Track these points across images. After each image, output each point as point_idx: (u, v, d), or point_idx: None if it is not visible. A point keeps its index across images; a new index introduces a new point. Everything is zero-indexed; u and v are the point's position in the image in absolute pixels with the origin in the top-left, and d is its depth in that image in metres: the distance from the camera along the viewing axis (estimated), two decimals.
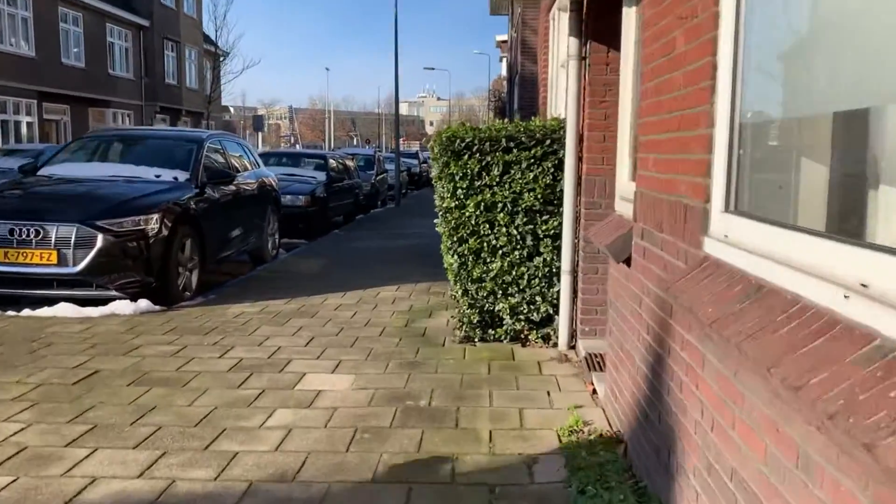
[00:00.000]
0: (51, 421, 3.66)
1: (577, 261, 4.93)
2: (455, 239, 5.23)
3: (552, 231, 5.08)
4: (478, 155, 5.18)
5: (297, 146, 59.58)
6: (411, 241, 11.92)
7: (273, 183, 10.22)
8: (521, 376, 4.45)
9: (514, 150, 5.11)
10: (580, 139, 4.86)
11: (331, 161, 14.68)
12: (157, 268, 6.48)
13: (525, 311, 5.15)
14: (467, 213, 5.18)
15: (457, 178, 5.18)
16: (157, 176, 7.46)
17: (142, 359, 4.79)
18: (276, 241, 10.22)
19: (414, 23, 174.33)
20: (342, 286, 7.58)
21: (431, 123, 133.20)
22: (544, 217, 5.10)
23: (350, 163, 16.68)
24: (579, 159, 4.86)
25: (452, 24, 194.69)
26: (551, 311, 5.12)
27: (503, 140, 5.12)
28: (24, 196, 6.86)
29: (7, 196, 6.84)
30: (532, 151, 5.08)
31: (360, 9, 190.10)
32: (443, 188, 5.32)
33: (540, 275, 5.11)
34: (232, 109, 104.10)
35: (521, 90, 14.59)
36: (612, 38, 4.63)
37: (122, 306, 6.19)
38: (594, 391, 4.11)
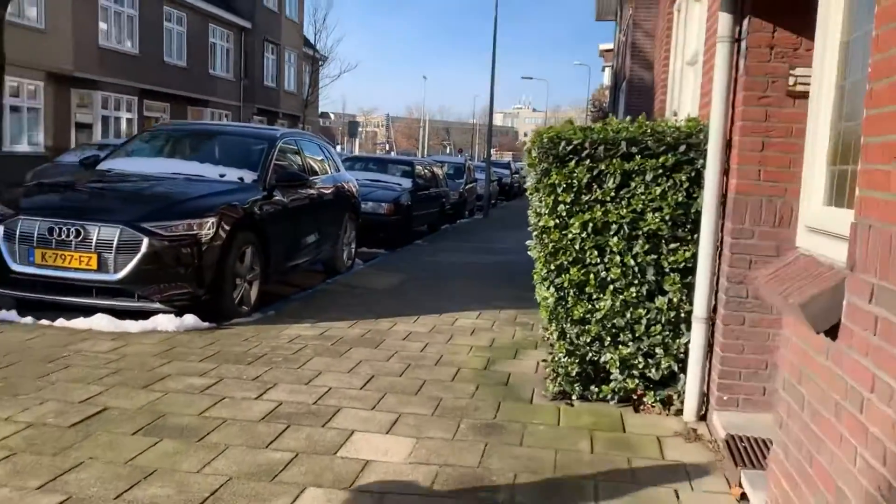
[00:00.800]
0: (17, 485, 2.82)
1: (716, 305, 3.75)
2: (552, 267, 4.15)
3: (682, 264, 3.92)
4: (588, 161, 4.10)
5: (392, 154, 59.61)
6: (498, 256, 10.87)
7: (353, 188, 9.42)
8: (635, 460, 3.32)
9: (637, 157, 3.99)
10: (727, 146, 3.69)
11: (417, 168, 13.83)
12: (209, 279, 5.70)
13: (640, 366, 4.00)
14: (570, 236, 4.10)
15: (559, 189, 4.12)
16: (222, 175, 6.73)
17: (163, 395, 3.94)
18: (353, 250, 9.40)
19: (513, 31, 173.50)
20: (416, 308, 6.62)
21: (525, 134, 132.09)
22: (672, 245, 3.95)
23: (438, 170, 15.81)
24: (725, 172, 3.69)
25: (552, 34, 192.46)
26: (675, 369, 3.96)
27: (622, 143, 4.02)
28: (71, 193, 6.24)
29: (52, 192, 6.25)
30: (660, 160, 3.94)
31: (458, 18, 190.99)
32: (540, 202, 4.27)
33: (663, 320, 3.96)
34: (332, 115, 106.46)
35: (630, 97, 13.30)
36: (784, 13, 3.45)
37: (166, 321, 5.42)
38: (743, 496, 2.94)
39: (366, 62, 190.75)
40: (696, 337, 3.78)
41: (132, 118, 24.14)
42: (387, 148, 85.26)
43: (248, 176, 6.77)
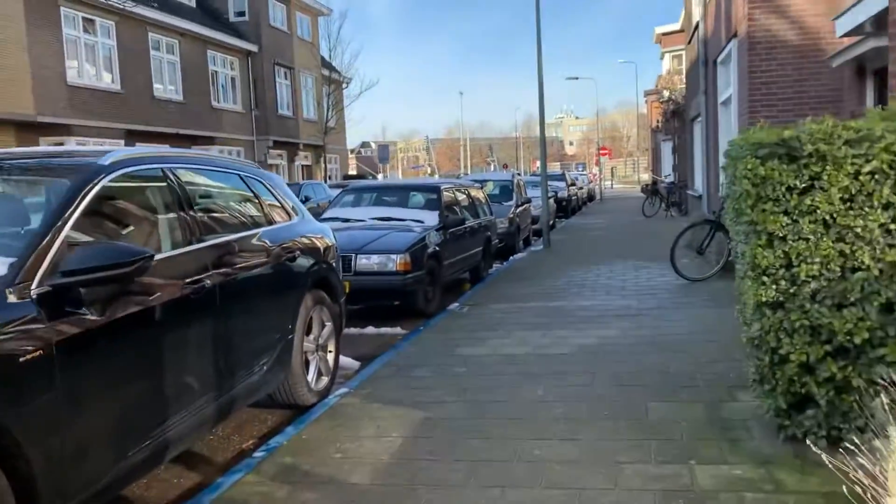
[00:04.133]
0: None
1: None
2: None
3: None
4: None
5: (436, 177, 55.77)
6: (593, 328, 6.53)
7: (324, 245, 5.31)
8: None
9: None
10: None
11: (446, 195, 9.59)
12: None
13: None
14: None
15: None
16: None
17: None
18: (330, 362, 5.25)
19: (548, 39, 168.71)
20: None
21: (571, 143, 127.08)
22: None
23: (478, 194, 11.57)
24: None
25: (590, 37, 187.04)
26: None
27: None
28: None
29: None
30: None
31: (491, 32, 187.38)
32: None
33: None
34: (373, 144, 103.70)
35: (752, 63, 8.84)
36: None
37: None
38: None
39: (404, 87, 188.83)
40: None
41: None
42: (428, 171, 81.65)
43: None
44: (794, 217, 3.26)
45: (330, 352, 5.31)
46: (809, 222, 3.24)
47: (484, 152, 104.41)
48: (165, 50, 22.78)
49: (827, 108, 7.86)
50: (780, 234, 3.28)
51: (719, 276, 8.89)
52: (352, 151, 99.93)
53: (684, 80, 20.66)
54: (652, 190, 23.80)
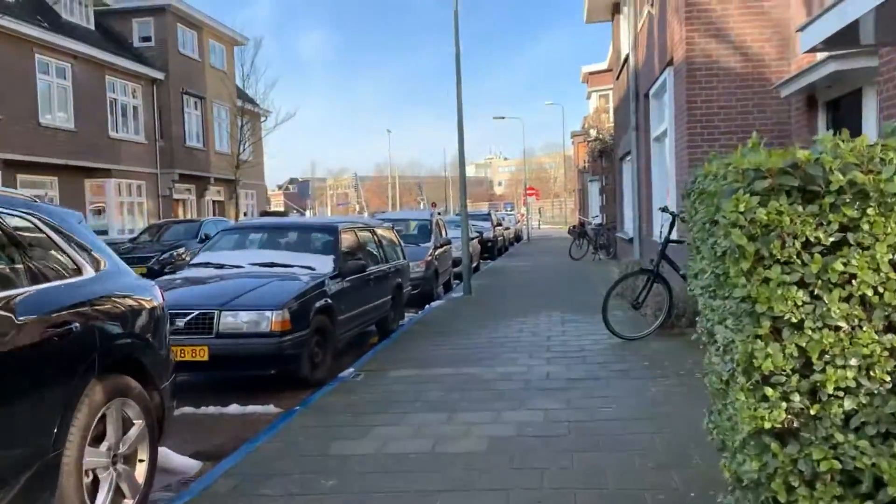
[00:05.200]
0: None
1: None
2: None
3: None
4: None
5: (364, 215, 54.26)
6: (510, 409, 5.14)
7: (136, 310, 3.82)
8: None
9: None
10: None
11: (345, 237, 8.15)
12: None
13: None
14: None
15: None
16: None
17: None
18: (139, 474, 3.69)
19: (478, 80, 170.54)
20: None
21: (500, 184, 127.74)
22: None
23: (388, 234, 10.19)
24: None
25: (521, 79, 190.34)
26: None
27: None
28: None
29: None
30: None
31: (421, 72, 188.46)
32: None
33: None
34: (300, 180, 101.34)
35: (689, 90, 7.86)
36: None
37: None
38: None
39: (334, 124, 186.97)
40: None
41: None
42: (356, 209, 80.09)
43: None
44: (817, 291, 1.99)
45: (141, 461, 3.76)
46: (841, 300, 1.98)
47: (414, 191, 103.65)
48: (55, 74, 20.72)
49: (774, 144, 6.89)
50: (794, 320, 2.00)
51: (657, 335, 7.73)
52: (279, 187, 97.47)
53: (612, 119, 20.01)
54: (579, 232, 22.97)
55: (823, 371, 2.00)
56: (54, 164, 20.18)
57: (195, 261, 8.02)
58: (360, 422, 5.11)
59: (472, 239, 19.43)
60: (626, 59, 12.94)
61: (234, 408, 6.00)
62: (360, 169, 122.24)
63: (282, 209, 59.97)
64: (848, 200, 1.95)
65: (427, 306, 11.86)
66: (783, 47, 7.62)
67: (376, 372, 6.78)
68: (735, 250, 2.02)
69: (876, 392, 1.97)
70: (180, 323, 6.09)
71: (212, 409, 6.00)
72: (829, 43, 4.98)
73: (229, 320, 6.20)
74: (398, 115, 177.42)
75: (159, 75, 25.33)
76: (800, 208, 1.99)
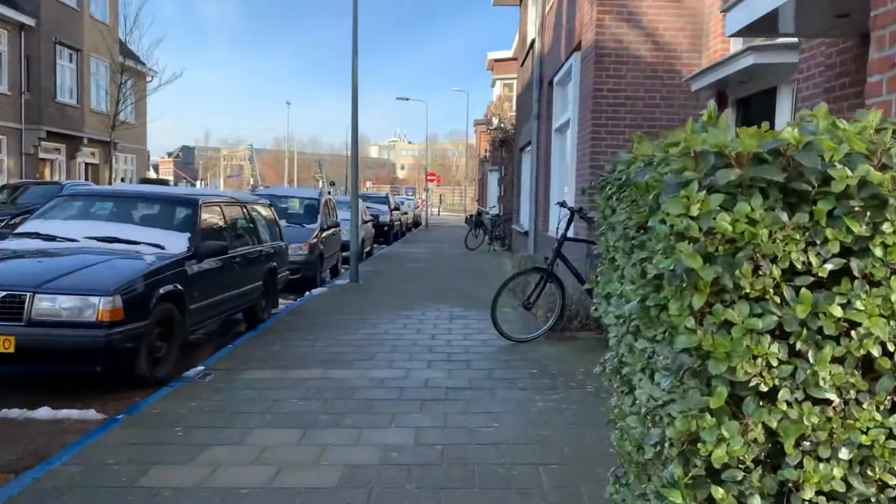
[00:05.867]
0: None
1: None
2: None
3: None
4: None
5: (259, 189, 52.03)
6: (376, 427, 4.33)
7: None
8: None
9: None
10: None
11: (206, 212, 7.09)
12: None
13: None
14: None
15: None
16: None
17: None
18: None
19: (384, 66, 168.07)
20: None
21: (403, 167, 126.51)
22: None
23: (264, 211, 9.15)
24: None
25: (429, 63, 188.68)
26: None
27: None
28: None
29: None
30: None
31: (325, 47, 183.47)
32: None
33: None
34: (196, 148, 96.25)
35: (596, 78, 7.29)
36: None
37: None
38: None
39: (233, 93, 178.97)
40: None
41: None
42: (251, 183, 76.85)
43: None
44: (800, 346, 1.30)
45: None
46: (833, 360, 1.29)
47: (313, 168, 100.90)
48: None
49: None
50: (764, 388, 1.31)
51: (547, 337, 7.17)
52: (170, 155, 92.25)
53: (514, 108, 19.53)
54: (476, 221, 22.48)
55: (800, 466, 1.31)
56: None
57: (21, 229, 6.76)
58: (191, 439, 4.18)
59: (367, 222, 18.54)
60: (532, 45, 12.37)
61: (44, 411, 4.91)
62: (257, 141, 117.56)
63: (171, 178, 56.61)
64: (856, 210, 1.27)
65: (307, 293, 10.89)
66: (696, 38, 7.18)
67: (229, 371, 5.82)
68: (682, 276, 1.30)
69: (874, 501, 1.31)
70: None
71: (15, 413, 4.89)
72: (753, 29, 4.46)
73: (45, 305, 5.08)
74: (301, 90, 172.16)
75: (29, 21, 22.75)
76: (783, 216, 1.29)
